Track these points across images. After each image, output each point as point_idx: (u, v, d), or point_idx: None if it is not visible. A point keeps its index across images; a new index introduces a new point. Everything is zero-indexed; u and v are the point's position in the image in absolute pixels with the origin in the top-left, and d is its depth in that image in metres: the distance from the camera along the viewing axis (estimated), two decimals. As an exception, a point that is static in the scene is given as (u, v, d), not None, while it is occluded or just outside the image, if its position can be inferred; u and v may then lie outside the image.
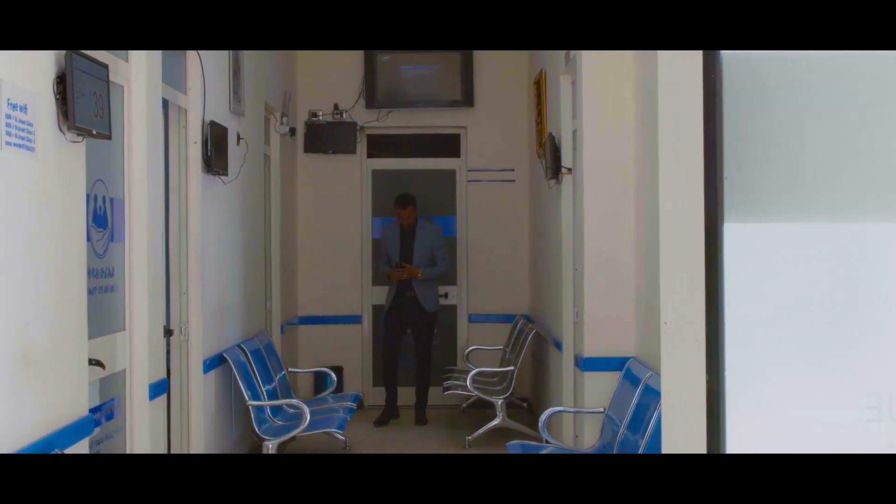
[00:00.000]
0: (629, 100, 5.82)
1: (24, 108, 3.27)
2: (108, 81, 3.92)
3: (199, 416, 5.75)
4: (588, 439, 5.94)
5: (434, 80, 9.62)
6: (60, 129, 3.58)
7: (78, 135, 3.69)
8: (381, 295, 9.14)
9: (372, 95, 9.43)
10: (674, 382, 1.64)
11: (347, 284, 9.55)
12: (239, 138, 6.69)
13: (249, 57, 7.08)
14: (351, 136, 9.43)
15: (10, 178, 3.18)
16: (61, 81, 3.56)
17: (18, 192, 3.25)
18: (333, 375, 7.97)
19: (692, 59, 1.61)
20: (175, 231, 5.55)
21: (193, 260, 5.71)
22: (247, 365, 6.59)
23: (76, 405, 3.73)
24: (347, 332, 9.60)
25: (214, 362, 6.09)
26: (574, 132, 6.71)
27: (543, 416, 5.87)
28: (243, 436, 6.83)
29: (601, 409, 5.67)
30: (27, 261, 3.31)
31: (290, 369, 8.02)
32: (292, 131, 8.97)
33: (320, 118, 9.41)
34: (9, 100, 3.17)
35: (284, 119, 8.57)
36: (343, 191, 9.60)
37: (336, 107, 9.42)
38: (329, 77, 9.48)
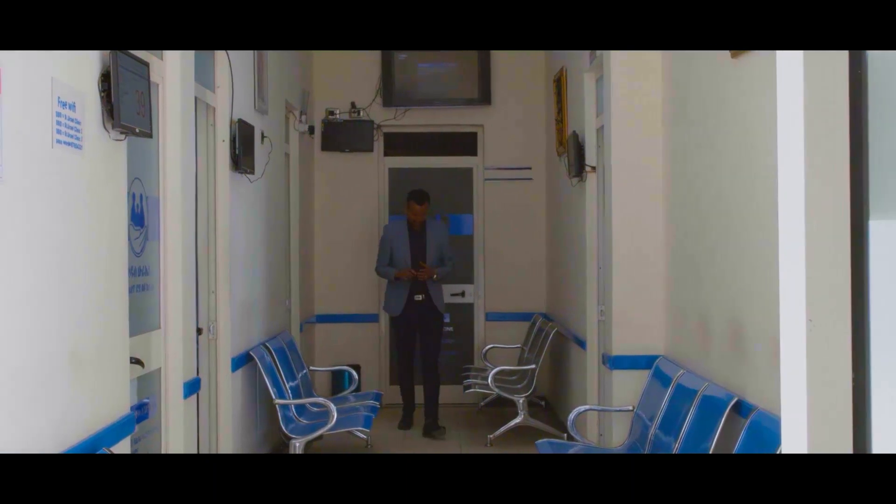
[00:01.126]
0: (658, 96, 5.80)
1: (72, 107, 3.27)
2: (148, 80, 3.91)
3: (228, 414, 5.74)
4: (616, 438, 5.92)
5: (451, 78, 9.60)
6: (105, 128, 3.57)
7: (121, 133, 3.69)
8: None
9: (389, 93, 9.42)
10: (819, 380, 1.64)
11: (364, 283, 9.51)
12: (263, 136, 6.68)
13: (272, 56, 7.07)
14: (368, 135, 9.42)
15: (61, 177, 3.17)
16: (106, 79, 3.55)
17: (69, 191, 3.25)
18: (354, 374, 7.95)
19: (838, 59, 1.60)
20: (203, 230, 5.54)
21: (222, 259, 5.70)
22: (272, 364, 6.58)
23: (120, 403, 3.73)
24: (364, 331, 9.57)
25: (241, 361, 6.08)
26: (598, 130, 6.70)
27: (572, 415, 5.84)
28: (267, 434, 6.83)
29: (630, 408, 5.65)
30: (77, 260, 3.31)
31: (310, 368, 8.00)
32: (310, 129, 8.96)
33: (337, 116, 9.40)
34: (59, 98, 3.16)
35: (303, 117, 8.56)
36: (360, 189, 9.57)
37: (353, 105, 9.41)
38: (346, 75, 9.46)
